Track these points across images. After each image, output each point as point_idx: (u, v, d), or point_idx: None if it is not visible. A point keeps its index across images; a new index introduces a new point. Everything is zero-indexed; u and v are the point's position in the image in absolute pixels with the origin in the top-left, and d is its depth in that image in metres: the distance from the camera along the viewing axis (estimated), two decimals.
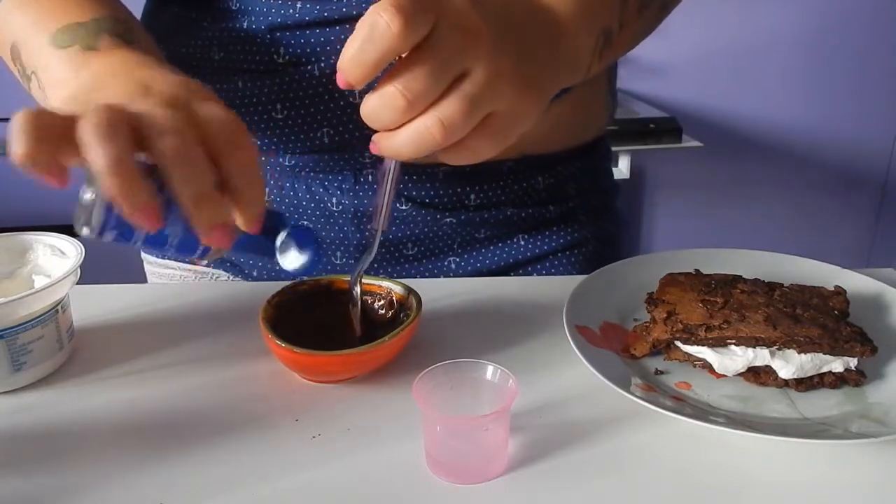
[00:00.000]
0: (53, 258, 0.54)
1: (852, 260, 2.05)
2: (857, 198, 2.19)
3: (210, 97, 0.43)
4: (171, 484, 0.42)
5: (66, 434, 0.47)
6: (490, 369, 0.45)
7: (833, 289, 0.55)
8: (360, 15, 0.59)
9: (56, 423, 0.48)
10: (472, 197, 0.67)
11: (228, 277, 0.72)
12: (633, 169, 1.83)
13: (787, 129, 2.09)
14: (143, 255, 0.78)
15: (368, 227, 0.65)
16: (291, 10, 0.60)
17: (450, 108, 0.41)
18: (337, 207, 0.66)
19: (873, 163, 2.15)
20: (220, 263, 0.72)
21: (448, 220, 0.67)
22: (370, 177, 0.65)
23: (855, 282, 0.59)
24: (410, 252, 0.68)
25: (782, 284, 0.56)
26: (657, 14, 0.62)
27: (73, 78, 0.48)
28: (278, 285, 0.54)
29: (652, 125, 1.73)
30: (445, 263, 0.70)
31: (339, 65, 0.41)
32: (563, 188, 0.71)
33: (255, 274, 0.71)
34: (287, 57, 0.61)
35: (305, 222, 0.67)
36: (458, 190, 0.66)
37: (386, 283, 0.56)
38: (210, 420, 0.48)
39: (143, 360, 0.54)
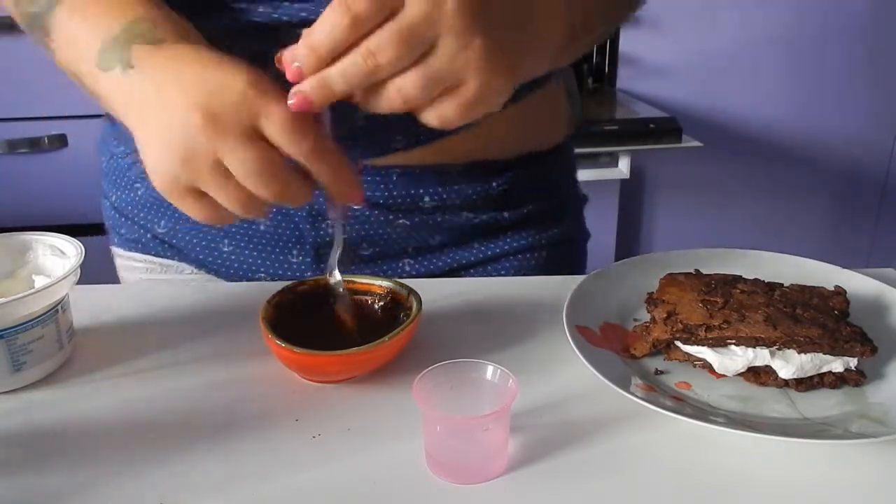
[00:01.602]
0: (53, 258, 0.54)
1: (852, 260, 2.05)
2: (857, 198, 2.19)
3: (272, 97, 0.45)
4: (171, 484, 0.42)
5: (66, 434, 0.47)
6: (490, 369, 0.45)
7: (833, 289, 0.55)
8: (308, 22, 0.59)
9: (56, 423, 0.48)
10: (427, 199, 0.67)
11: (192, 271, 0.72)
12: (633, 169, 1.83)
13: (787, 129, 2.09)
14: (112, 248, 0.77)
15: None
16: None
17: (408, 80, 0.43)
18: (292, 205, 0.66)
19: (873, 163, 2.15)
20: (182, 256, 0.72)
21: (402, 221, 0.68)
22: None
23: (855, 282, 0.59)
24: (366, 252, 0.69)
25: (782, 284, 0.56)
26: (621, 14, 0.64)
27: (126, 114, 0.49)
28: (278, 285, 0.54)
29: (652, 125, 1.73)
30: (400, 265, 0.70)
31: (286, 54, 0.44)
32: (518, 194, 0.71)
33: (214, 267, 0.71)
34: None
35: (263, 220, 0.67)
36: (412, 192, 0.67)
37: (386, 283, 0.56)
38: (210, 420, 0.48)
39: (143, 360, 0.54)
